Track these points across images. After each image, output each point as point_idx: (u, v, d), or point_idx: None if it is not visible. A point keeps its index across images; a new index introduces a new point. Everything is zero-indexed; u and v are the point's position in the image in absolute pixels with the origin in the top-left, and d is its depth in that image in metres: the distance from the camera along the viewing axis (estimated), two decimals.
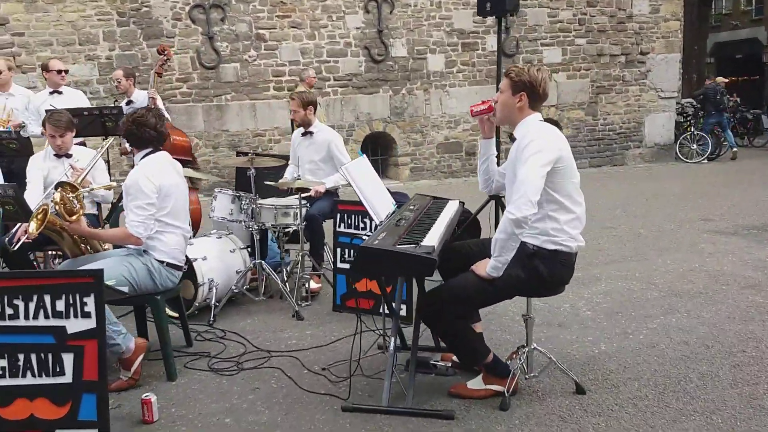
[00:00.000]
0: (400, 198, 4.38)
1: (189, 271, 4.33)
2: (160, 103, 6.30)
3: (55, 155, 4.68)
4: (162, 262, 3.51)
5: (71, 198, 3.49)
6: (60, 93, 6.12)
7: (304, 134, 5.21)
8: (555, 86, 11.98)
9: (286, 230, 4.74)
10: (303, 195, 4.91)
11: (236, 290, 4.60)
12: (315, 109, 5.13)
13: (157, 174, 3.48)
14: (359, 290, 4.38)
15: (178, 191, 3.60)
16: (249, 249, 5.00)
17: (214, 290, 4.39)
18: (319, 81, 10.48)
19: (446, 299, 2.97)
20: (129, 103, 6.36)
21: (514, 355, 3.30)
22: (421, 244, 2.72)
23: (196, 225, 5.52)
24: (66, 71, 6.16)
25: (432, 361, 3.50)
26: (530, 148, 2.83)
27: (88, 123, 5.41)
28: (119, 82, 6.28)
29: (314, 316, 4.45)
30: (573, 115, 12.22)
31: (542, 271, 2.92)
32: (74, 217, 3.46)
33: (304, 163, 5.19)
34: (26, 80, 9.13)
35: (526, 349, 3.25)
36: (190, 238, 4.75)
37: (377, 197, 3.32)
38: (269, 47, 10.21)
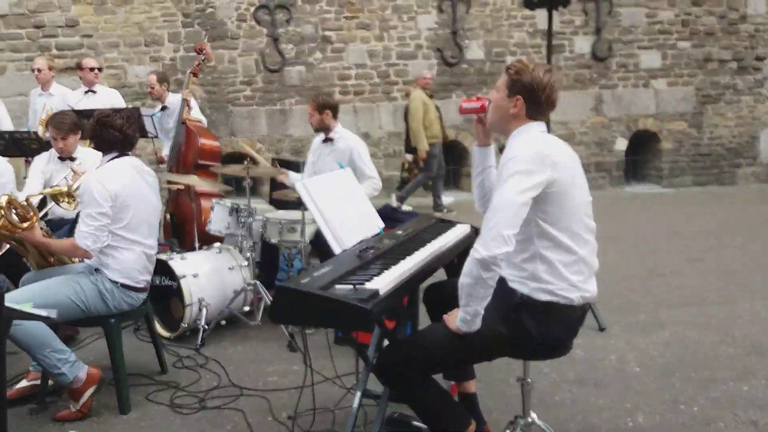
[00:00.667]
0: (407, 218, 3.74)
1: (177, 290, 3.94)
2: (194, 104, 6.01)
3: (59, 158, 4.42)
4: (116, 282, 3.08)
5: (23, 203, 3.14)
6: (94, 92, 5.96)
7: (324, 141, 4.70)
8: (653, 94, 10.82)
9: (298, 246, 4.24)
10: None
11: (231, 312, 4.13)
12: (335, 114, 4.59)
13: (113, 180, 3.05)
14: None
15: (141, 202, 3.17)
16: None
17: (205, 311, 3.94)
18: (387, 85, 10.00)
19: (411, 355, 2.32)
20: (164, 108, 6.09)
21: (511, 426, 2.58)
22: (365, 286, 2.09)
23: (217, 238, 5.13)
24: (100, 69, 5.98)
25: (414, 422, 2.85)
26: (511, 166, 2.15)
27: None
28: (152, 88, 6.00)
29: (312, 348, 3.85)
30: (674, 126, 10.96)
31: (530, 328, 2.22)
32: (26, 224, 3.10)
33: (325, 173, 4.66)
34: None
35: (522, 422, 2.53)
36: (186, 251, 4.38)
37: (349, 220, 2.71)
38: (336, 49, 9.80)
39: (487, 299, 2.15)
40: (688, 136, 10.96)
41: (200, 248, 4.49)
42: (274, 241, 4.20)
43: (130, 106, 7.15)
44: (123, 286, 3.10)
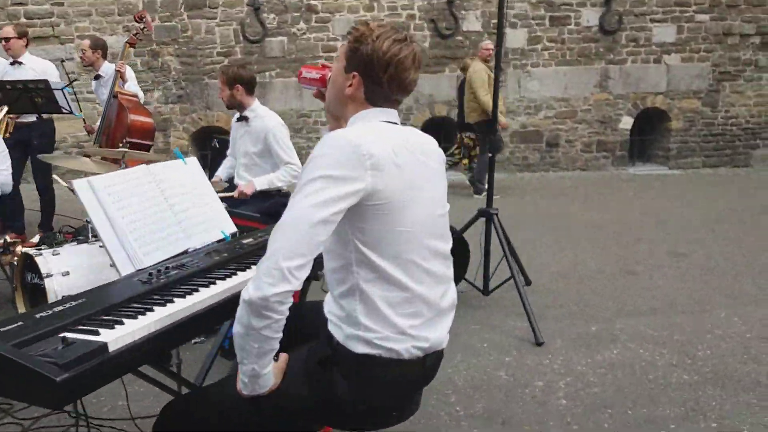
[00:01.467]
0: None
1: (42, 291, 3.45)
2: (131, 76, 5.52)
3: None
4: None
5: None
6: (20, 63, 5.47)
7: (238, 120, 4.14)
8: (665, 70, 9.96)
9: None
10: (223, 196, 3.89)
11: None
12: (248, 89, 4.04)
13: None
14: None
15: None
16: None
17: None
18: None
19: (197, 417, 1.75)
20: (97, 77, 5.66)
21: None
22: (96, 338, 1.53)
23: None
24: (20, 37, 5.46)
25: None
26: (309, 169, 1.57)
27: (16, 99, 4.70)
28: (83, 53, 5.54)
29: (199, 360, 3.39)
30: (686, 104, 10.10)
31: (339, 392, 1.65)
32: None
33: (240, 156, 4.14)
34: (64, 51, 8.83)
35: None
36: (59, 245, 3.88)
37: (167, 228, 2.17)
38: (321, 19, 9.18)
39: (267, 356, 1.58)
40: (701, 114, 10.10)
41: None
42: None
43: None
44: None
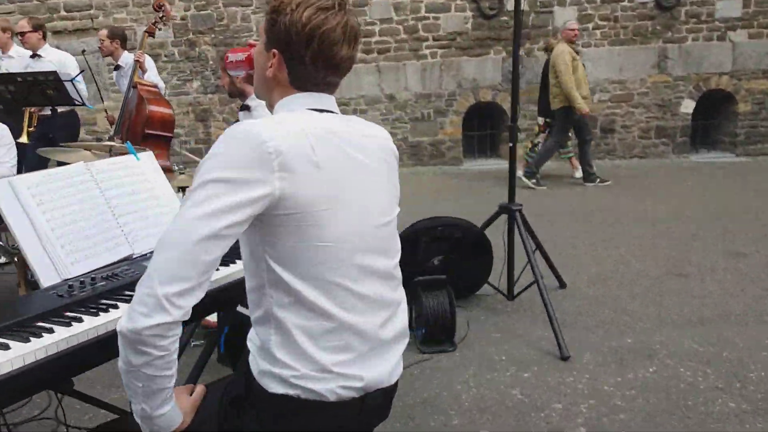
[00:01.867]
0: None
1: None
2: (150, 66, 5.37)
3: None
4: None
5: None
6: (39, 56, 5.40)
7: (241, 109, 3.87)
8: (730, 48, 9.18)
9: None
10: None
11: None
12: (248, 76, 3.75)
13: None
14: None
15: None
16: None
17: None
18: (415, 42, 8.97)
19: None
20: (117, 68, 5.54)
21: None
22: None
23: None
24: (35, 29, 5.37)
25: None
26: (201, 171, 1.26)
27: (27, 91, 4.57)
28: (101, 43, 5.42)
29: (188, 365, 3.15)
30: (755, 86, 9.29)
31: None
32: None
33: None
34: None
35: None
36: None
37: (106, 231, 1.91)
38: (357, 3, 8.84)
39: (157, 396, 1.28)
40: None
41: None
42: None
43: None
44: None
